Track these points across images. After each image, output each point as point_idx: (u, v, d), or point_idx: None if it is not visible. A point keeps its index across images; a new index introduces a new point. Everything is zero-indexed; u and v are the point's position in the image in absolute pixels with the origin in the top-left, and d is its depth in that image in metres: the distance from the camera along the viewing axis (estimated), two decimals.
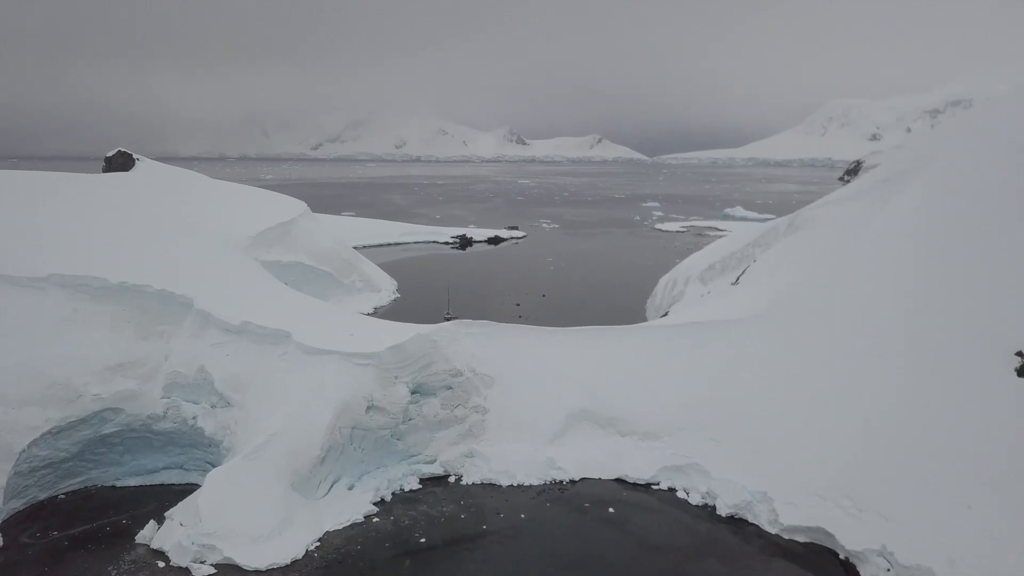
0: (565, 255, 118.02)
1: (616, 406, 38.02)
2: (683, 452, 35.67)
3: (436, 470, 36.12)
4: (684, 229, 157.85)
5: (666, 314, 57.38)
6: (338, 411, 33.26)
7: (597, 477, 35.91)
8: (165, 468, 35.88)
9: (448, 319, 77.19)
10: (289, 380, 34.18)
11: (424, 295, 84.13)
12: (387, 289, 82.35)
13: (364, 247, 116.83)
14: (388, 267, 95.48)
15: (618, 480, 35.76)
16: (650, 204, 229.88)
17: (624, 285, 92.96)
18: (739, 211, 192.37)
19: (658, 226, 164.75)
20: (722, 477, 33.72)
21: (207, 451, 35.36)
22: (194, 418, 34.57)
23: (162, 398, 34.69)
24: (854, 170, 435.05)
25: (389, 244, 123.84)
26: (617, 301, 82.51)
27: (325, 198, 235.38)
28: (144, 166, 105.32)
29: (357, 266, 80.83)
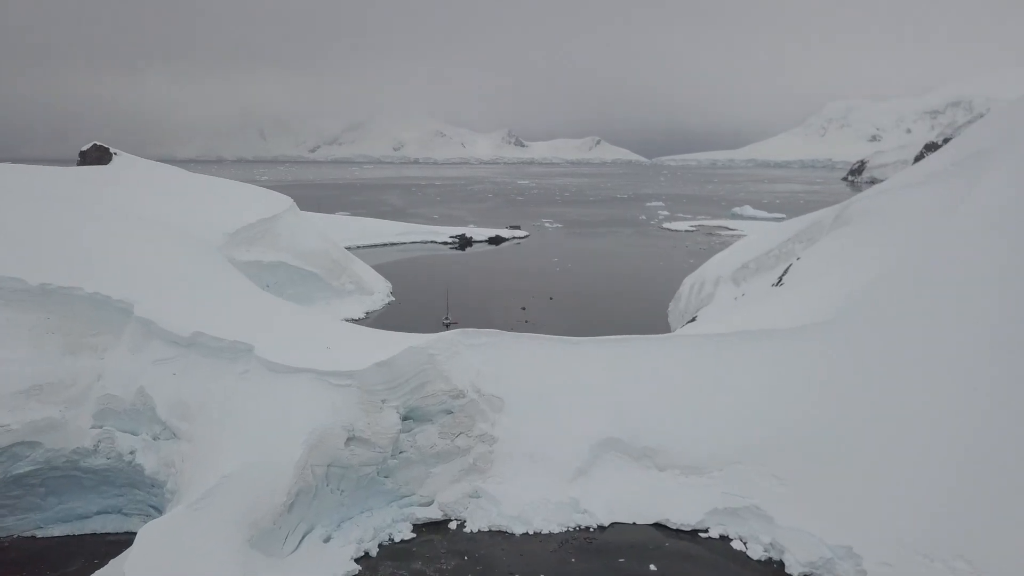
0: (571, 256, 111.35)
1: (652, 434, 31.31)
2: (738, 491, 29.01)
3: (433, 514, 29.39)
4: (693, 228, 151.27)
5: (694, 319, 50.80)
6: (310, 445, 26.52)
7: (631, 522, 29.24)
8: (99, 513, 29.12)
9: (447, 326, 70.80)
10: (250, 406, 27.42)
11: (421, 299, 77.43)
12: (380, 292, 75.64)
13: (357, 247, 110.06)
14: (382, 269, 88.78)
15: (658, 526, 29.10)
16: (654, 204, 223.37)
17: (639, 287, 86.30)
18: (748, 210, 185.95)
19: (666, 225, 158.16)
20: (790, 525, 27.03)
21: (150, 492, 28.60)
22: (132, 453, 27.81)
23: (92, 428, 27.94)
24: (858, 170, 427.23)
25: (384, 244, 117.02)
26: (634, 305, 75.85)
27: (320, 199, 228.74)
28: (121, 160, 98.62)
29: (348, 267, 74.12)
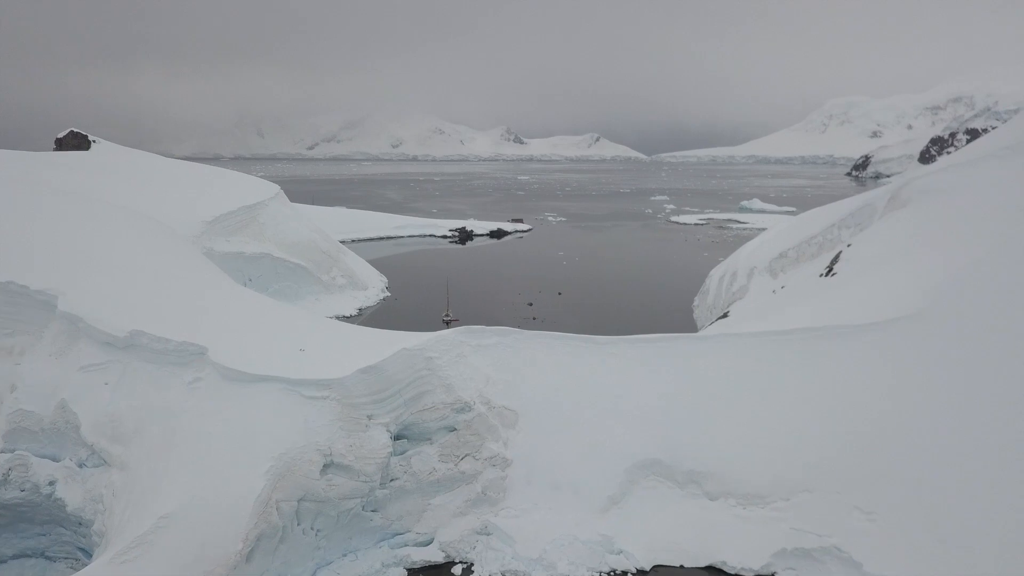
0: (578, 249, 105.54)
1: (700, 453, 25.59)
2: (811, 527, 23.30)
3: (433, 556, 23.66)
4: (703, 221, 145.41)
5: (726, 314, 45.13)
6: (276, 474, 20.80)
7: (678, 565, 23.60)
8: (16, 557, 23.34)
9: (448, 323, 65.05)
10: (201, 424, 21.67)
11: (419, 294, 71.68)
12: (375, 287, 69.85)
13: (352, 241, 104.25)
14: (378, 263, 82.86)
15: (711, 570, 23.40)
16: (659, 198, 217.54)
17: (655, 282, 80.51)
18: (756, 204, 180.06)
19: (673, 219, 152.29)
20: (882, 573, 21.33)
21: (77, 531, 22.85)
22: (51, 484, 22.04)
23: (2, 452, 22.16)
24: (862, 165, 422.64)
25: (380, 238, 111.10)
26: (652, 300, 70.10)
27: (316, 194, 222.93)
28: (101, 148, 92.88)
29: (339, 260, 68.27)
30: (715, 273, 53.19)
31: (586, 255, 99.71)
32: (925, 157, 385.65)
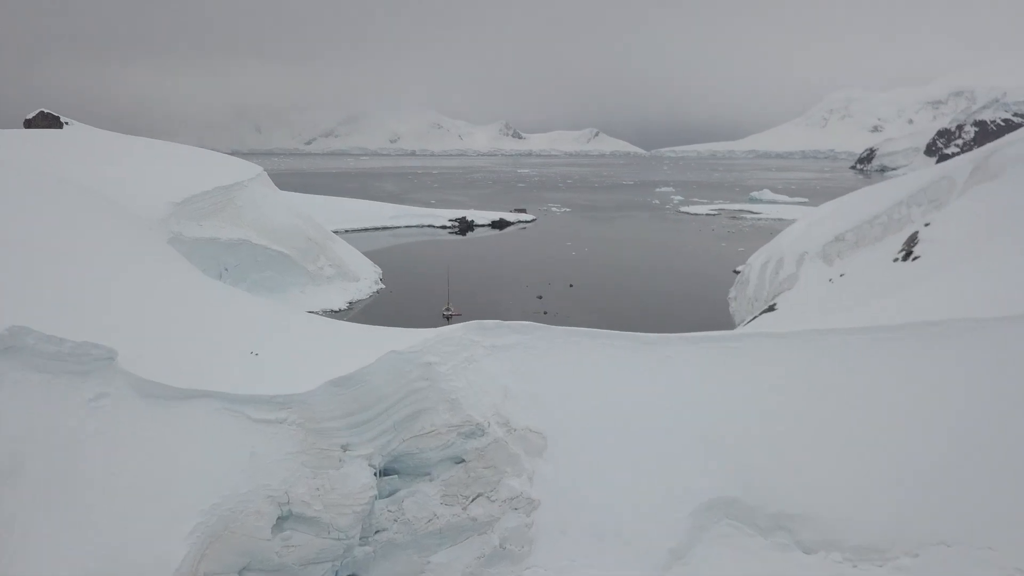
0: (586, 240, 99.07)
1: (791, 490, 19.16)
2: None
3: None
4: (715, 212, 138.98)
5: (772, 307, 38.81)
6: (207, 534, 14.38)
7: None
8: None
9: (448, 319, 58.83)
10: (104, 460, 15.20)
11: (416, 287, 65.30)
12: (368, 278, 63.42)
13: (344, 232, 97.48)
14: (373, 255, 76.33)
15: None
16: (665, 189, 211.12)
17: (674, 272, 74.10)
18: (767, 194, 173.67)
19: (683, 209, 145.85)
20: None
21: None
22: None
23: None
24: (867, 158, 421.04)
25: (374, 228, 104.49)
26: (675, 292, 63.73)
27: (312, 186, 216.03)
28: (74, 129, 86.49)
29: (327, 248, 61.72)
30: (755, 261, 46.88)
31: (596, 245, 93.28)
32: (931, 150, 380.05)
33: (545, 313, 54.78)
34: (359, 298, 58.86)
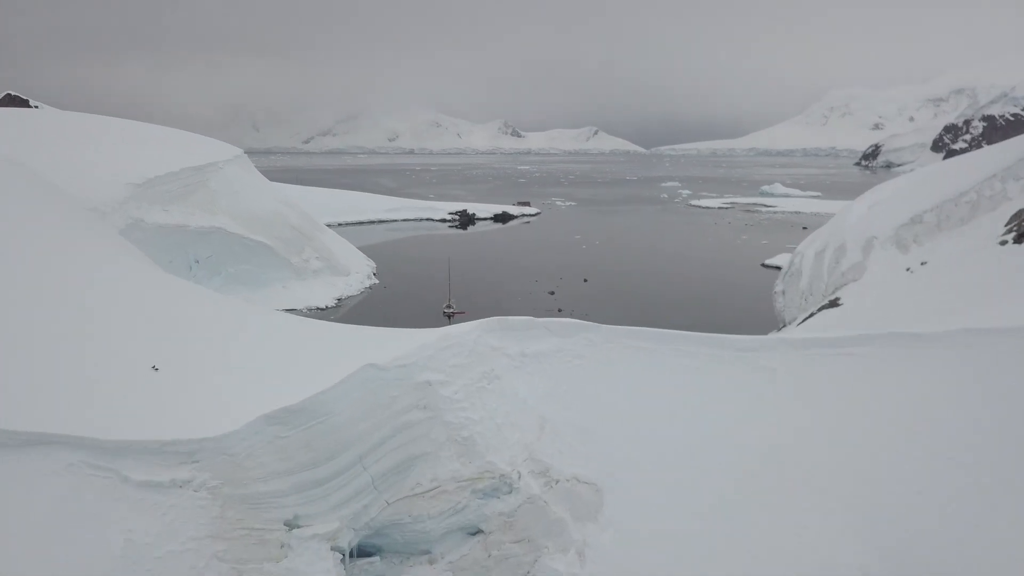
0: (596, 233, 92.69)
1: (973, 569, 12.71)
2: None
3: None
4: (727, 205, 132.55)
5: (835, 302, 32.54)
6: None
7: None
8: None
9: (450, 317, 48.02)
10: None
11: (413, 282, 59.01)
12: (359, 272, 57.02)
13: (337, 225, 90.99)
14: (367, 250, 69.85)
15: None
16: (671, 184, 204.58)
17: (698, 266, 67.66)
18: (779, 188, 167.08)
19: (693, 203, 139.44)
20: None
21: None
22: None
23: None
24: (872, 154, 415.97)
25: (370, 222, 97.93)
26: (702, 287, 57.31)
27: (308, 182, 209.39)
28: (42, 111, 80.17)
29: (314, 238, 55.26)
30: (806, 249, 40.71)
31: (607, 239, 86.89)
32: (938, 145, 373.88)
33: (560, 311, 48.49)
34: (349, 294, 52.45)
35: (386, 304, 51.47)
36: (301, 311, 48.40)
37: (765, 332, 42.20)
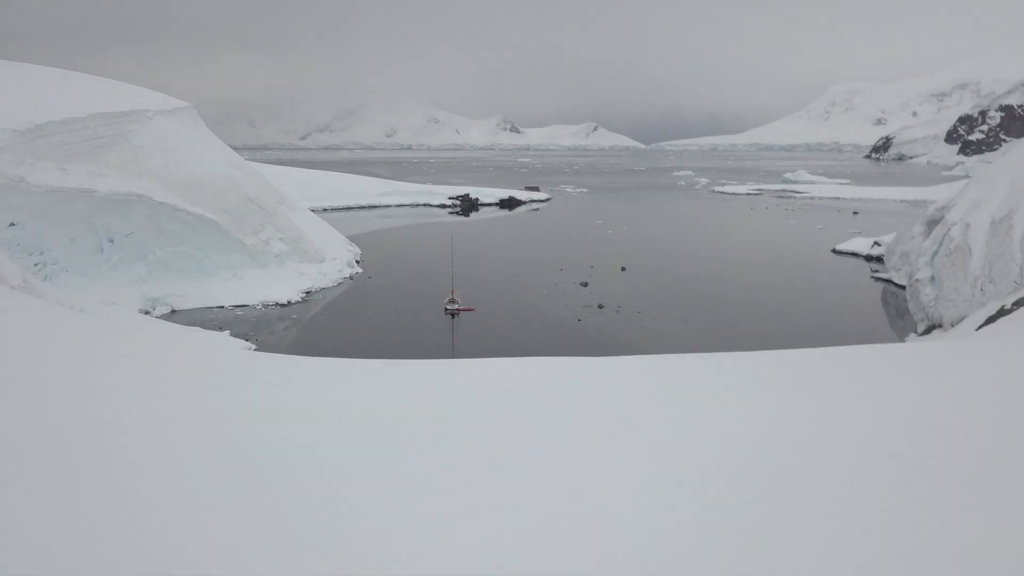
0: (618, 218, 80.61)
1: None
2: None
3: None
4: (756, 191, 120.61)
5: None
6: None
7: None
8: None
9: (454, 314, 35.94)
10: None
11: (407, 272, 47.14)
12: (338, 259, 44.96)
13: (324, 210, 78.62)
14: (353, 237, 57.88)
15: None
16: (684, 172, 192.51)
17: (755, 253, 55.80)
18: (803, 175, 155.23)
19: (717, 189, 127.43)
20: None
21: None
22: None
23: None
24: (883, 147, 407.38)
25: (359, 207, 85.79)
26: (775, 278, 45.48)
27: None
28: None
29: (276, 213, 43.12)
30: (974, 220, 28.68)
31: (633, 224, 74.84)
32: (952, 137, 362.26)
33: (601, 307, 36.48)
34: (323, 286, 40.40)
35: (371, 299, 39.39)
36: (256, 307, 36.39)
37: (900, 336, 30.34)
